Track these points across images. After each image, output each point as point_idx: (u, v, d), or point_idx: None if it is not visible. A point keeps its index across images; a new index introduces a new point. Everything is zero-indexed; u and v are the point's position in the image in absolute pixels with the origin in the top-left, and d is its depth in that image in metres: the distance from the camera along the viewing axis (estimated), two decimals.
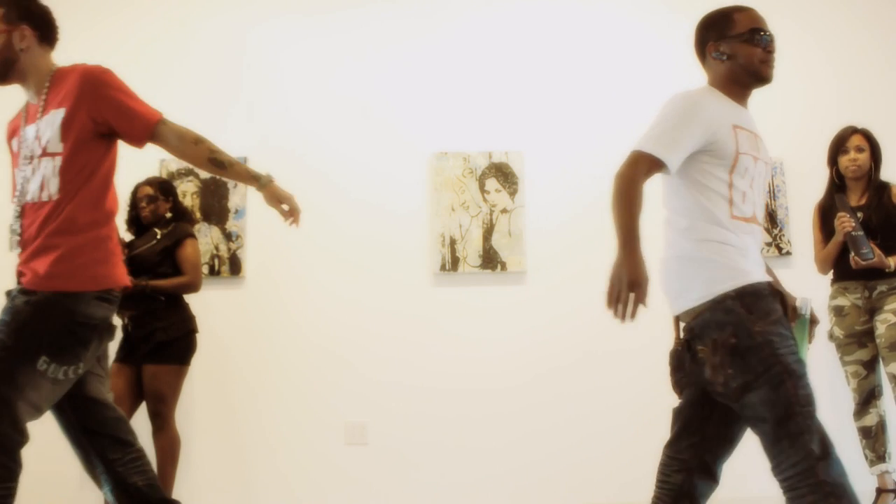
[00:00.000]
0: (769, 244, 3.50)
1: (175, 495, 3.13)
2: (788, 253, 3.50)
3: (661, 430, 3.39)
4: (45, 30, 1.98)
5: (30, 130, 1.85)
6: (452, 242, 3.45)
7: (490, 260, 3.44)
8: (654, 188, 1.90)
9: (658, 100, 3.91)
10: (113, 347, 3.31)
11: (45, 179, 1.79)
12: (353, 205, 3.51)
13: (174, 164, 3.48)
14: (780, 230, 3.52)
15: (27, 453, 1.70)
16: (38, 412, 1.75)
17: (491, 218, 3.48)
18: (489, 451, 3.34)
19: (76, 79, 1.84)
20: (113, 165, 1.91)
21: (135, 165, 3.49)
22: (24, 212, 1.82)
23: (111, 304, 1.84)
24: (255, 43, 3.66)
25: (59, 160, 1.79)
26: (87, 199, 1.80)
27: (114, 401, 2.86)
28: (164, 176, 3.46)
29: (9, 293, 1.81)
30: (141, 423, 3.28)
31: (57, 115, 1.81)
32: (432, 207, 3.49)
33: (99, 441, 1.86)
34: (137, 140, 1.87)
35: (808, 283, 3.51)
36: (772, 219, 3.53)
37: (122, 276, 1.88)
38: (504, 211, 3.48)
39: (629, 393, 3.40)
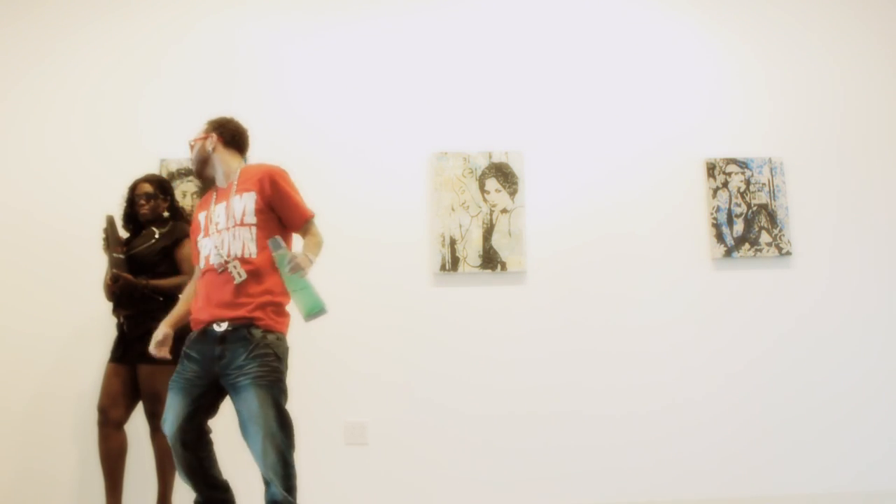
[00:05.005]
0: (769, 244, 3.50)
1: (175, 495, 3.13)
2: (788, 253, 3.50)
3: (658, 429, 3.40)
4: (233, 138, 2.60)
5: (220, 207, 2.39)
6: (452, 242, 3.45)
7: (490, 260, 3.44)
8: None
9: (658, 99, 3.95)
10: (108, 347, 3.32)
11: (244, 242, 2.32)
12: (353, 205, 3.51)
13: (174, 163, 3.48)
14: (780, 230, 3.51)
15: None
16: None
17: (491, 218, 3.47)
18: (489, 450, 3.34)
19: (261, 173, 2.41)
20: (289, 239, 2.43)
21: (135, 163, 3.51)
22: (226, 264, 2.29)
23: None
24: (254, 42, 3.66)
25: (253, 230, 2.33)
26: (271, 261, 2.28)
27: (111, 401, 2.87)
28: (165, 175, 3.45)
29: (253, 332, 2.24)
30: (139, 423, 3.28)
31: (248, 197, 2.35)
32: (432, 207, 3.49)
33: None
34: (294, 229, 2.44)
35: (808, 284, 3.52)
36: (772, 219, 3.53)
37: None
38: (504, 211, 3.48)
39: (629, 393, 3.40)
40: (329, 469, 3.30)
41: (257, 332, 2.25)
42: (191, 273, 2.97)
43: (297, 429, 3.36)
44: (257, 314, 2.26)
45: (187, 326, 3.00)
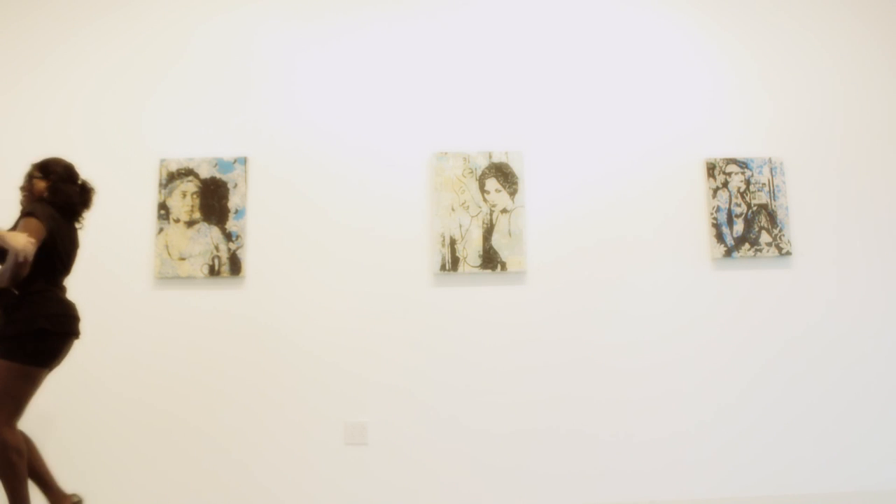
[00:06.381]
0: (769, 244, 3.50)
1: (175, 494, 3.12)
2: (788, 253, 3.50)
3: (656, 430, 3.40)
4: None
5: None
6: (452, 242, 3.45)
7: (490, 260, 3.44)
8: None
9: (658, 98, 3.95)
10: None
11: None
12: (353, 204, 3.52)
13: (174, 163, 3.48)
14: (780, 230, 3.51)
15: None
16: None
17: (491, 218, 3.48)
18: (488, 450, 3.34)
19: None
20: None
21: (135, 162, 3.52)
22: None
23: None
24: (255, 42, 3.66)
25: None
26: None
27: None
28: (164, 175, 3.46)
29: None
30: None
31: None
32: (432, 207, 3.50)
33: None
34: None
35: (808, 284, 3.52)
36: (772, 219, 3.52)
37: None
38: (504, 211, 3.48)
39: (628, 393, 3.40)
40: (329, 469, 3.30)
41: None
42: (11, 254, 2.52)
43: (297, 429, 3.39)
44: None
45: (51, 327, 2.57)
